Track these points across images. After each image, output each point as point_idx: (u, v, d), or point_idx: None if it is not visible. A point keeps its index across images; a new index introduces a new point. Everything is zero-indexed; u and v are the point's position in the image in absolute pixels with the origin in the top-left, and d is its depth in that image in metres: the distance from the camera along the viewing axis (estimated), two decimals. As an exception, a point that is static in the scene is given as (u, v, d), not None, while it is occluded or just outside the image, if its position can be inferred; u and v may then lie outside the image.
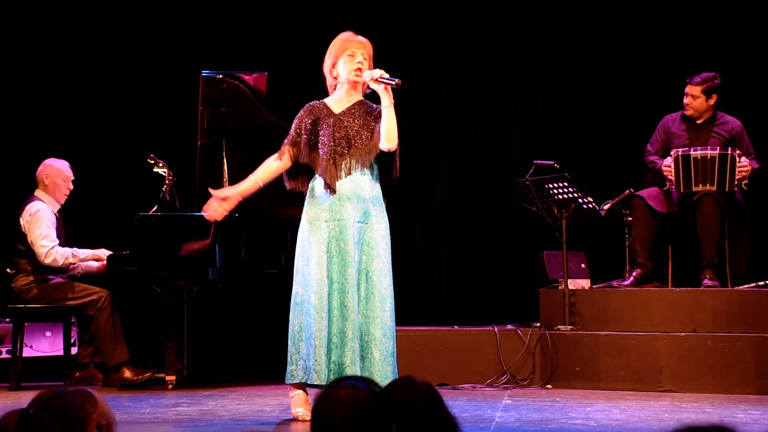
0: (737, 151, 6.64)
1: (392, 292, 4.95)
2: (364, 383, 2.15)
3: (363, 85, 5.01)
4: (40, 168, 6.77)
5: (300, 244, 4.90)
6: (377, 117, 5.00)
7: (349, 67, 4.96)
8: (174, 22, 7.86)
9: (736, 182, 6.62)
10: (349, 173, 4.90)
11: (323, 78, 5.06)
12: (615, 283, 6.78)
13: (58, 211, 6.78)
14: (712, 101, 6.84)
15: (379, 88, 4.96)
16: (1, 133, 7.69)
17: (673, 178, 6.71)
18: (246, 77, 6.73)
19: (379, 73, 4.94)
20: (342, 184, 4.88)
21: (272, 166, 4.97)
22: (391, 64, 7.96)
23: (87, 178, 7.54)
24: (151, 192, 6.74)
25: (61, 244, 6.67)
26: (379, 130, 4.97)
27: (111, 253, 6.56)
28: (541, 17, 7.97)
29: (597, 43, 7.90)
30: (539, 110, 8.05)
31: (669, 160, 6.73)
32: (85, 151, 7.63)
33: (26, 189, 6.81)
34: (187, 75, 7.11)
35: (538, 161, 6.76)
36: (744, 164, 6.62)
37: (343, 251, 4.82)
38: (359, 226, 4.87)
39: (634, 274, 6.72)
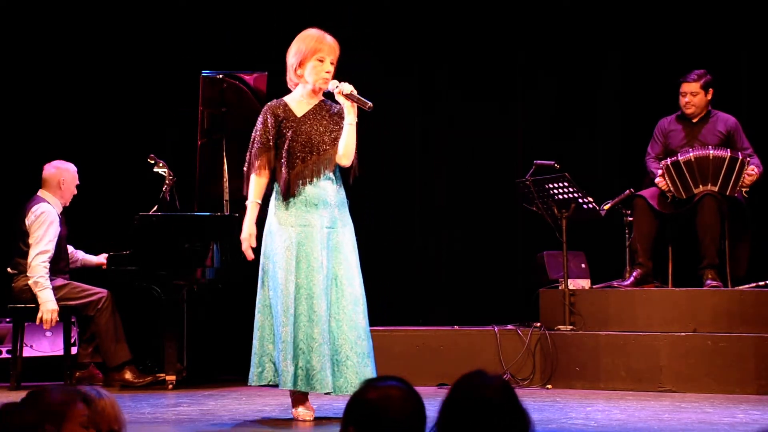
0: (748, 158, 6.64)
1: (364, 293, 4.88)
2: (400, 381, 2.20)
3: None
4: (52, 171, 6.69)
5: (266, 247, 4.88)
6: (339, 119, 4.93)
7: (317, 72, 4.87)
8: (174, 22, 7.86)
9: (738, 188, 6.62)
10: (312, 180, 4.85)
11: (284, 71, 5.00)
12: (615, 283, 6.77)
13: (61, 214, 6.76)
14: (709, 96, 6.87)
15: (346, 104, 4.88)
16: (2, 133, 7.68)
17: (671, 188, 6.71)
18: (246, 77, 6.73)
19: (349, 88, 4.86)
20: (307, 190, 4.84)
21: (261, 183, 4.92)
22: (391, 65, 8.01)
23: (87, 178, 7.53)
24: (151, 192, 6.74)
25: (64, 242, 6.66)
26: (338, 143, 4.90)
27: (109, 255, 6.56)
28: (541, 17, 7.97)
29: (597, 43, 7.90)
30: (539, 110, 8.04)
31: (660, 173, 6.72)
32: (85, 151, 7.61)
33: (27, 189, 6.79)
34: (187, 75, 7.10)
35: (538, 161, 6.76)
36: (751, 172, 6.61)
37: (310, 257, 4.78)
38: (327, 231, 4.84)
39: (634, 274, 6.72)
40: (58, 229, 6.61)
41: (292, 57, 4.92)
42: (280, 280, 4.78)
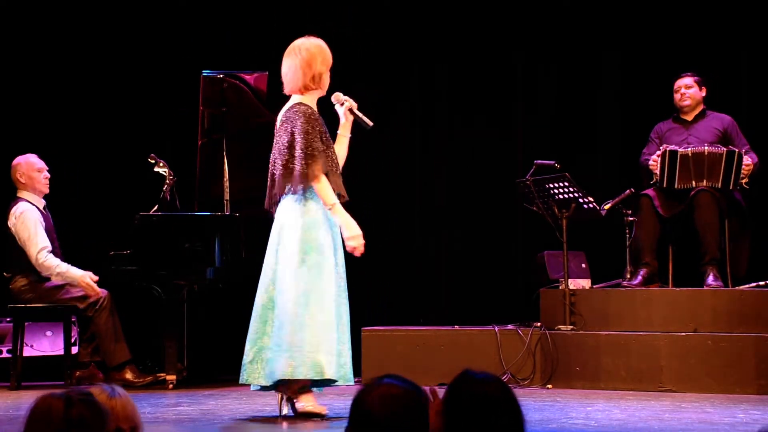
0: (743, 149, 6.66)
1: None
2: (403, 381, 2.20)
3: None
4: (11, 171, 6.75)
5: (313, 239, 4.88)
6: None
7: (327, 83, 5.05)
8: (174, 22, 7.86)
9: (740, 181, 6.63)
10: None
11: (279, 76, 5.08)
12: (624, 283, 6.73)
13: (45, 207, 6.77)
14: (704, 92, 6.96)
15: (350, 118, 5.10)
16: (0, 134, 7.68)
17: (658, 174, 6.74)
18: (247, 77, 6.73)
19: (355, 104, 5.09)
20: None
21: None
22: (391, 65, 8.01)
23: (88, 178, 7.53)
24: (152, 192, 6.74)
25: (52, 240, 6.66)
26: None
27: (96, 278, 6.56)
28: (541, 17, 7.97)
29: (597, 43, 7.90)
30: (540, 110, 8.04)
31: (657, 154, 6.76)
32: (85, 151, 7.62)
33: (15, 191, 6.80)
34: (187, 75, 7.10)
35: (539, 161, 6.76)
36: (748, 163, 6.63)
37: (338, 253, 4.97)
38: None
39: (641, 273, 6.69)
40: (43, 223, 6.62)
41: (313, 67, 4.98)
42: (330, 269, 4.89)
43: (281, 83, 5.11)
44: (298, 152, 4.86)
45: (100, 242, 6.80)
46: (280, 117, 5.02)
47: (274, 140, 5.01)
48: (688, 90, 6.93)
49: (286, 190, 4.90)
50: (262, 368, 4.85)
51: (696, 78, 6.95)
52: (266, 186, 5.04)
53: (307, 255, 4.84)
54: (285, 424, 4.86)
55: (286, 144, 4.89)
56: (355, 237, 4.88)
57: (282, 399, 4.96)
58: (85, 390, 2.24)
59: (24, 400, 5.87)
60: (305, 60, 4.98)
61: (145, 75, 7.77)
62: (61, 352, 6.71)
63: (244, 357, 4.92)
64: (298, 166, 4.85)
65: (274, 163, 4.97)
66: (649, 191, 6.79)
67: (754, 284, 6.58)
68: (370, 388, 2.18)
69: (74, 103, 7.75)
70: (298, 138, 4.86)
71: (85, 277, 6.50)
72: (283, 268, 4.87)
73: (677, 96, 6.97)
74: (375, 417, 2.13)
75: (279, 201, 4.95)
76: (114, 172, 7.59)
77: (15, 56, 7.72)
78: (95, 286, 6.51)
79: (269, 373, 4.82)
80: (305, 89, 5.00)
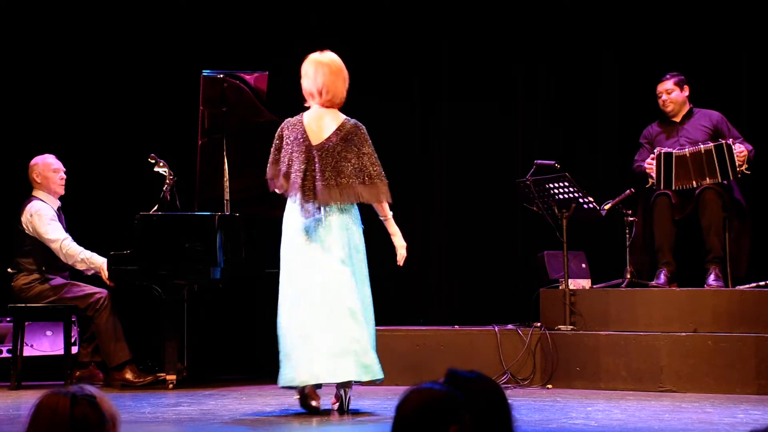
0: (730, 140, 6.66)
1: None
2: (438, 384, 2.22)
3: None
4: (29, 170, 6.81)
5: (363, 249, 5.20)
6: None
7: None
8: (174, 22, 7.86)
9: (738, 170, 6.62)
10: None
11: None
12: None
13: (59, 209, 6.79)
14: (686, 92, 6.97)
15: None
16: (2, 134, 7.67)
17: (653, 177, 6.75)
18: (247, 77, 6.73)
19: None
20: None
21: None
22: (391, 64, 8.01)
23: (88, 178, 7.53)
24: (152, 192, 6.74)
25: None
26: None
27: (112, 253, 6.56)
28: (541, 17, 7.97)
29: (598, 42, 7.89)
30: (540, 109, 8.04)
31: (652, 157, 6.77)
32: (85, 150, 7.62)
33: (25, 189, 6.82)
34: (187, 75, 7.10)
35: (539, 161, 6.76)
36: (740, 150, 6.63)
37: None
38: None
39: (663, 273, 6.66)
40: (56, 219, 6.66)
41: (346, 84, 5.15)
42: None
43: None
44: (378, 165, 5.14)
45: (100, 242, 6.80)
46: (335, 130, 5.09)
47: (339, 149, 5.08)
48: (669, 95, 6.95)
49: (368, 200, 5.16)
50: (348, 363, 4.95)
51: (675, 79, 6.95)
52: (284, 185, 5.12)
53: (365, 262, 5.21)
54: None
55: (363, 156, 5.10)
56: (404, 246, 5.33)
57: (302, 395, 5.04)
58: (88, 391, 2.26)
59: (24, 400, 5.88)
60: (344, 75, 5.15)
61: (145, 75, 7.76)
62: (61, 352, 6.72)
63: (321, 359, 4.92)
64: (384, 178, 5.17)
65: (342, 171, 5.08)
66: (668, 191, 6.76)
67: (754, 284, 6.58)
68: (410, 393, 2.22)
69: (74, 103, 7.74)
70: (374, 154, 5.15)
71: (105, 264, 6.56)
72: (353, 270, 5.10)
73: (660, 101, 7.00)
74: (414, 420, 2.16)
75: (332, 205, 5.08)
76: (114, 172, 7.59)
77: (15, 56, 7.72)
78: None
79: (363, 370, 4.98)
80: (342, 103, 5.15)
